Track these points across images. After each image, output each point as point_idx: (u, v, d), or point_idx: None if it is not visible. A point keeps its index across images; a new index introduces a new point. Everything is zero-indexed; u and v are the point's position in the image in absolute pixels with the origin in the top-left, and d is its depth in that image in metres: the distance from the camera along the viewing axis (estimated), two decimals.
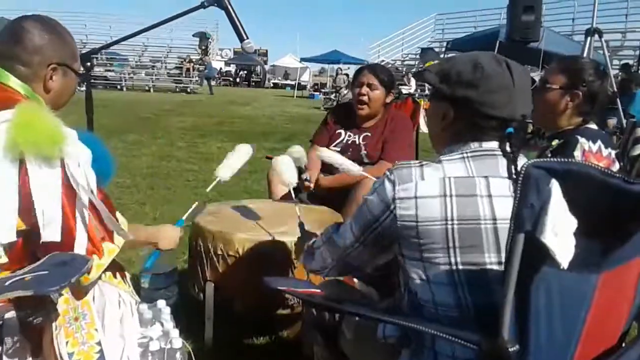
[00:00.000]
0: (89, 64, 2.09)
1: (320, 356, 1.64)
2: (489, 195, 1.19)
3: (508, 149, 1.24)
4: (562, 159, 0.96)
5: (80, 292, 1.38)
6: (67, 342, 1.36)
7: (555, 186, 0.91)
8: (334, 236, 1.43)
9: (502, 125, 1.24)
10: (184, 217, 2.12)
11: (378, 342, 1.33)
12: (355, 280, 2.48)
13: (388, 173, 1.26)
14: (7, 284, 1.04)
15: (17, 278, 1.07)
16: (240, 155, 2.33)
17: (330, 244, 1.45)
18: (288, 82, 35.94)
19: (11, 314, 1.16)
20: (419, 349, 1.24)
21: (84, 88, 2.03)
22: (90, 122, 2.28)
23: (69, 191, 1.25)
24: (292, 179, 2.27)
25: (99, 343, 1.41)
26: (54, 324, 1.27)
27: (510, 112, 1.24)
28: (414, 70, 21.42)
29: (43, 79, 1.41)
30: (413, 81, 17.57)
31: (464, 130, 1.27)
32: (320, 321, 1.60)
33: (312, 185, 2.97)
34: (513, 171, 1.19)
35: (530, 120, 2.20)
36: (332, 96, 20.66)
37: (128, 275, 1.68)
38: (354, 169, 2.32)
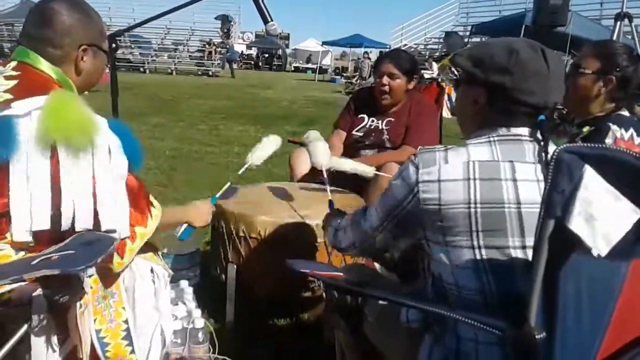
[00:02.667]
0: (113, 45, 2.09)
1: (342, 339, 1.64)
2: (514, 180, 1.18)
3: (539, 136, 1.22)
4: (595, 145, 0.94)
5: (112, 277, 1.40)
6: (95, 320, 1.38)
7: (588, 171, 0.89)
8: (360, 219, 1.44)
9: (535, 112, 1.22)
10: (217, 195, 2.13)
11: (401, 325, 1.33)
12: (376, 264, 2.48)
13: (412, 157, 1.26)
14: (34, 263, 1.06)
15: (44, 257, 1.08)
16: (272, 144, 2.42)
17: (355, 226, 1.46)
18: (309, 65, 35.81)
19: (39, 292, 1.18)
20: (441, 333, 1.23)
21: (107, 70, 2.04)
22: (115, 104, 2.29)
23: (101, 179, 1.25)
24: (324, 161, 2.32)
25: (126, 321, 1.43)
26: (80, 302, 1.29)
27: (544, 99, 1.22)
28: (436, 54, 21.17)
29: (74, 60, 1.41)
30: (435, 65, 17.37)
31: (495, 116, 1.25)
32: (342, 304, 1.59)
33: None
34: (544, 157, 1.18)
35: (561, 107, 2.16)
36: (354, 80, 20.52)
37: (159, 251, 1.70)
38: (367, 169, 2.43)
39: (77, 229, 1.22)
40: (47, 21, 1.37)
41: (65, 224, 1.21)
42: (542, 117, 1.22)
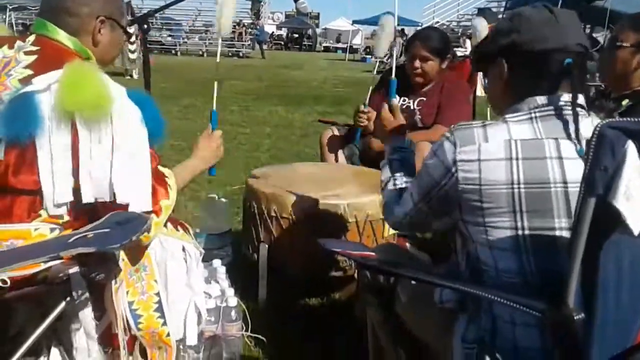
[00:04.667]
0: (145, 26, 2.09)
1: (374, 319, 1.64)
2: (560, 158, 1.13)
3: (580, 99, 1.17)
4: (639, 119, 0.90)
5: (141, 250, 1.41)
6: (127, 292, 1.40)
7: (631, 147, 0.86)
8: (394, 207, 1.41)
9: (558, 61, 1.18)
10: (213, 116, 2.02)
11: (435, 306, 1.31)
12: (407, 244, 2.47)
13: (448, 134, 1.22)
14: (70, 241, 1.07)
15: (80, 235, 1.09)
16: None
17: (389, 213, 1.45)
18: (339, 45, 35.51)
19: (75, 269, 1.20)
20: (476, 313, 1.21)
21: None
22: (148, 84, 2.31)
23: (118, 150, 1.24)
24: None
25: (157, 294, 1.45)
26: (115, 279, 1.31)
27: (561, 41, 1.18)
28: (469, 32, 20.75)
29: (92, 32, 1.40)
30: (468, 42, 17.02)
31: (523, 82, 1.22)
32: (374, 284, 1.59)
33: (370, 115, 2.82)
34: (576, 128, 1.14)
35: (595, 83, 2.09)
36: (385, 59, 20.23)
37: (191, 230, 1.71)
38: None
39: (93, 200, 1.22)
40: None
41: (84, 197, 1.22)
42: (568, 60, 1.18)
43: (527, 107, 1.20)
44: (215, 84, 2.04)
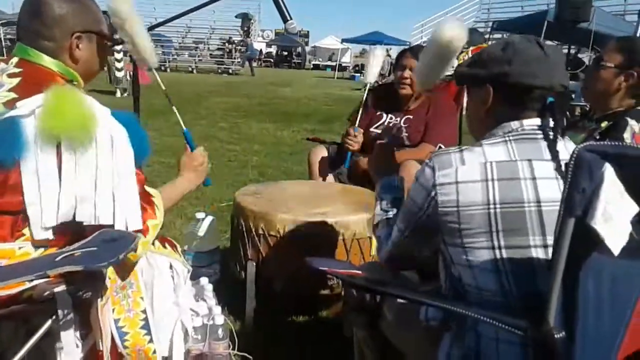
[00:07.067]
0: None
1: (361, 337, 1.64)
2: (533, 178, 1.17)
3: (551, 123, 1.21)
4: (616, 143, 0.92)
5: (128, 269, 1.40)
6: (113, 310, 1.40)
7: (608, 170, 0.88)
8: (384, 244, 1.46)
9: (542, 96, 1.23)
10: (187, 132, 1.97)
11: (420, 324, 1.33)
12: None
13: (428, 160, 1.26)
14: (57, 259, 1.07)
15: (67, 254, 1.09)
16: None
17: (381, 249, 1.49)
18: (329, 63, 35.76)
19: (62, 288, 1.20)
20: (461, 331, 1.23)
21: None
22: (137, 102, 2.33)
23: (102, 172, 1.24)
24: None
25: (144, 311, 1.44)
26: (102, 297, 1.31)
27: (549, 81, 1.23)
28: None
29: (69, 50, 1.38)
30: (456, 62, 17.20)
31: (505, 110, 1.26)
32: (360, 303, 1.60)
33: (358, 138, 2.95)
34: (554, 153, 1.18)
35: (580, 103, 2.13)
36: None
37: (179, 247, 1.71)
38: None
39: (78, 220, 1.21)
40: (36, 13, 1.36)
41: (66, 216, 1.21)
42: (550, 99, 1.23)
43: (502, 131, 1.25)
44: (174, 109, 2.02)
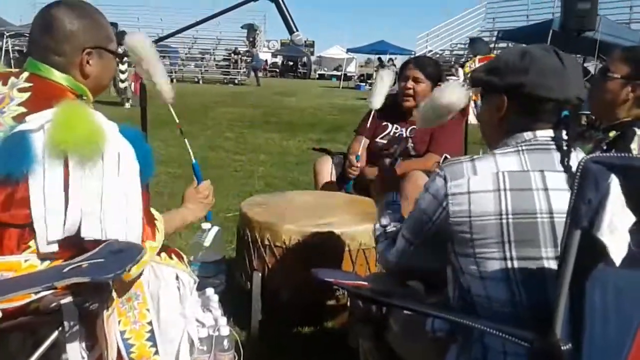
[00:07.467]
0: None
1: (367, 348, 1.64)
2: (545, 189, 1.17)
3: (564, 136, 1.21)
4: (623, 154, 0.93)
5: (124, 287, 1.41)
6: (119, 322, 1.40)
7: (614, 182, 0.88)
8: (388, 252, 1.46)
9: (557, 108, 1.23)
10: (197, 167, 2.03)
11: (426, 335, 1.32)
12: None
13: (439, 170, 1.26)
14: (64, 270, 1.08)
15: (74, 265, 1.10)
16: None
17: (383, 259, 1.49)
18: (334, 72, 35.87)
19: (68, 299, 1.20)
20: (467, 343, 1.22)
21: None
22: (144, 112, 2.34)
23: (108, 187, 1.24)
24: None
25: (150, 323, 1.44)
26: (108, 308, 1.31)
27: (564, 94, 1.22)
28: (462, 60, 21.02)
29: (79, 65, 1.40)
30: (461, 71, 17.23)
31: (519, 120, 1.25)
32: (366, 314, 1.59)
33: (358, 166, 2.97)
34: (567, 164, 1.17)
35: (586, 112, 2.13)
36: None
37: (185, 258, 1.71)
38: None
39: (83, 236, 1.21)
40: (47, 28, 1.36)
41: (71, 230, 1.21)
42: (565, 112, 1.22)
43: (514, 141, 1.24)
44: (186, 141, 2.12)
